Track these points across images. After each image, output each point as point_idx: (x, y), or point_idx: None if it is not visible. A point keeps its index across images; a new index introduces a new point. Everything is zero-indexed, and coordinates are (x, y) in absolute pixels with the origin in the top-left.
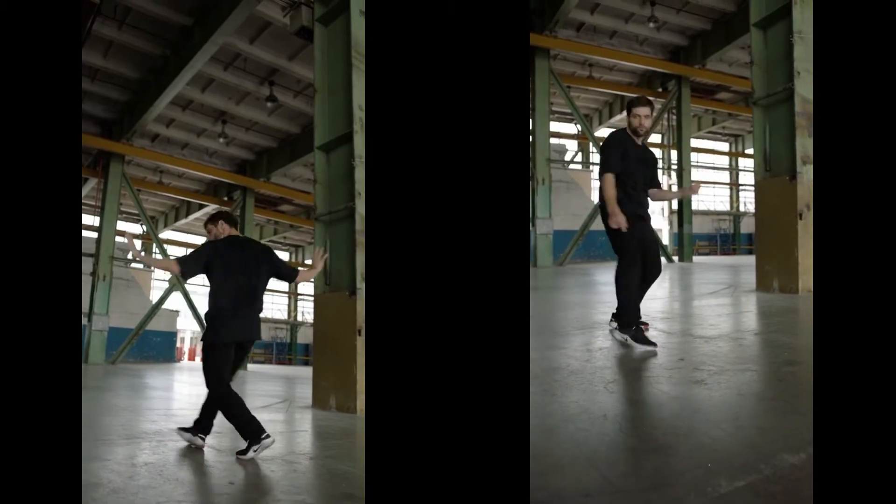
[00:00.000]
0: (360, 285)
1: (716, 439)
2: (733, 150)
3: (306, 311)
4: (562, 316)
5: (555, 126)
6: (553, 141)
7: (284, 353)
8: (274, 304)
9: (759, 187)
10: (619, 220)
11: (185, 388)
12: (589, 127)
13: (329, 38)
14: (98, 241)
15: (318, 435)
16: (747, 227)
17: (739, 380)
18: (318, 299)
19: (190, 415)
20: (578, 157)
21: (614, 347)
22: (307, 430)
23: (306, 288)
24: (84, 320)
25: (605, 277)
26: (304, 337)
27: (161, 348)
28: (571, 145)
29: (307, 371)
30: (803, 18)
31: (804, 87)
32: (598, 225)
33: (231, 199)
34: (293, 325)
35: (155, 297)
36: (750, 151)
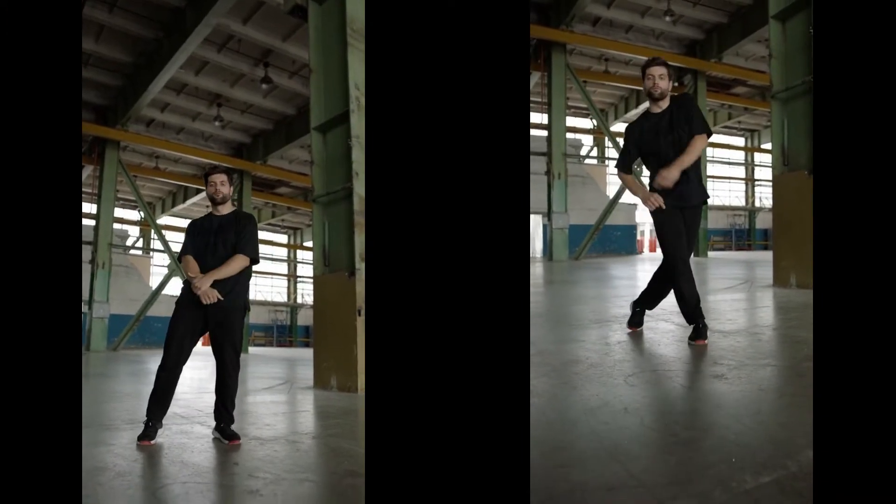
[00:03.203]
0: (359, 266)
1: (738, 434)
2: (749, 145)
3: (306, 293)
4: (578, 310)
5: (571, 121)
6: (569, 136)
7: (285, 335)
8: (273, 287)
9: (776, 182)
10: (651, 200)
11: (186, 371)
12: (605, 122)
13: (323, 17)
14: (96, 228)
15: (320, 415)
16: (762, 222)
17: (759, 375)
18: (318, 281)
19: (192, 398)
20: (594, 152)
21: (632, 341)
22: (309, 411)
23: (305, 270)
24: (84, 308)
25: (620, 272)
26: (305, 319)
27: (162, 334)
28: (587, 140)
29: (308, 353)
30: None
31: None
32: (613, 220)
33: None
34: (293, 307)
35: (154, 283)
36: (766, 146)
